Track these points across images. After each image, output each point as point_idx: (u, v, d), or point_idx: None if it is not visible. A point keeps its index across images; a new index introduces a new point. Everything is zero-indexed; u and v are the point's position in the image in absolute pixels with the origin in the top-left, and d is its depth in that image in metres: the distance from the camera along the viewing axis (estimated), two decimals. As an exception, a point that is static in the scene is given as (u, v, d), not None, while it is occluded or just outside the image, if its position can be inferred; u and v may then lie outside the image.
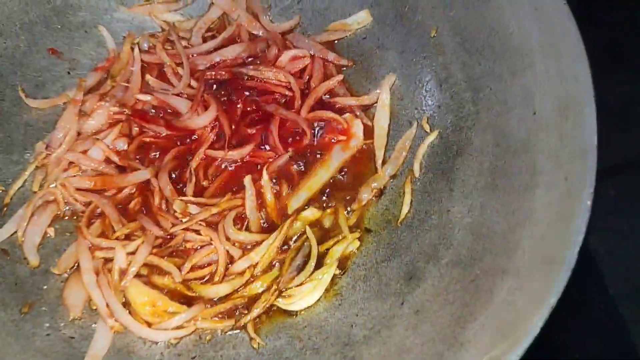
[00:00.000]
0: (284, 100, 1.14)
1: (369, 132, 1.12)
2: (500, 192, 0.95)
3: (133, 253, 0.96)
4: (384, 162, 1.10)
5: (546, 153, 0.90)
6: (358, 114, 1.14)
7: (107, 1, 1.16)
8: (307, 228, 1.02)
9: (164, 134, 1.08)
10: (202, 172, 1.06)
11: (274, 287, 0.97)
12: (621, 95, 1.27)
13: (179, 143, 1.09)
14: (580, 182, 0.83)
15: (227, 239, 0.99)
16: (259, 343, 0.93)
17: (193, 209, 1.01)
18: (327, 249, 1.02)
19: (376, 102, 1.14)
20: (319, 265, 1.00)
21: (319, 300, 0.98)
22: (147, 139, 1.08)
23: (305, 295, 0.97)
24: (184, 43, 1.16)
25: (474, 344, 0.78)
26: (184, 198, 1.01)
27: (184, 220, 1.00)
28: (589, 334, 1.09)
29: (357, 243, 1.02)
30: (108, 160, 1.05)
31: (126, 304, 0.94)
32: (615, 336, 1.06)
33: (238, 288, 0.98)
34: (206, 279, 0.99)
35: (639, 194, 1.22)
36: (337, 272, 1.00)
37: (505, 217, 0.91)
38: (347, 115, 1.13)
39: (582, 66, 0.90)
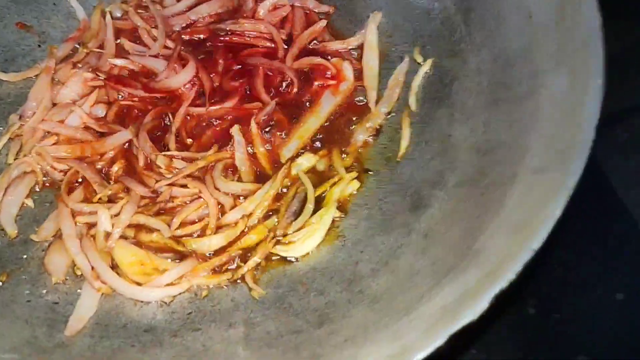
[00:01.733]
0: (266, 53, 1.08)
1: (358, 74, 1.06)
2: (502, 105, 0.89)
3: (117, 215, 0.89)
4: (377, 102, 1.03)
5: (547, 54, 0.84)
6: (346, 57, 1.07)
7: (75, -30, 1.12)
8: (301, 173, 0.95)
9: (142, 96, 1.02)
10: (184, 131, 1.00)
11: (271, 234, 0.90)
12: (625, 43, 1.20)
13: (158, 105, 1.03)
14: (586, 70, 0.76)
15: (217, 190, 0.92)
16: (259, 292, 0.85)
17: (178, 164, 0.95)
18: (324, 193, 0.95)
19: (363, 43, 1.08)
20: (317, 209, 0.92)
21: (320, 244, 0.90)
22: (126, 103, 1.02)
23: (305, 239, 0.90)
24: (157, 7, 1.11)
25: (488, 249, 0.70)
26: (167, 153, 0.95)
27: (169, 176, 0.93)
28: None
29: (357, 184, 0.95)
30: (86, 128, 0.99)
31: (113, 267, 0.87)
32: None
33: (233, 240, 0.90)
34: (198, 234, 0.91)
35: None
36: (338, 215, 0.92)
37: (511, 127, 0.84)
38: (334, 59, 1.07)
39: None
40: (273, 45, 1.08)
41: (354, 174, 0.96)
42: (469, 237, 0.74)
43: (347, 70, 1.06)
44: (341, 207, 0.94)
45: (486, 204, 0.78)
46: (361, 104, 1.04)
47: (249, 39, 1.09)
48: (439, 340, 0.58)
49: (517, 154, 0.80)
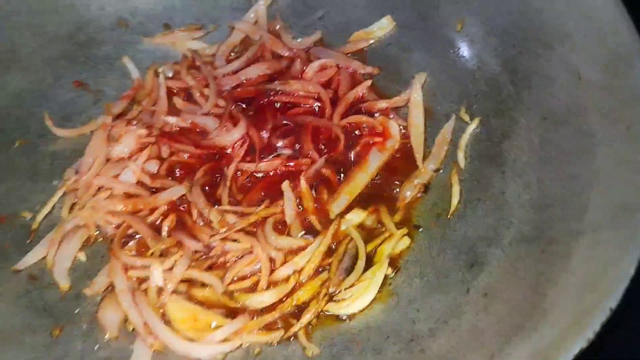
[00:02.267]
0: (313, 111, 1.11)
1: (404, 133, 1.07)
2: (556, 162, 0.89)
3: (169, 270, 0.89)
4: (424, 159, 1.04)
5: (599, 112, 0.86)
6: (391, 115, 1.09)
7: (130, 34, 1.17)
8: (351, 228, 0.95)
9: (193, 153, 1.04)
10: (235, 187, 1.01)
11: (323, 291, 0.89)
12: None
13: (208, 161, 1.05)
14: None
15: (269, 245, 0.92)
16: (313, 351, 0.83)
17: (229, 219, 0.95)
18: (374, 249, 0.94)
19: (408, 102, 1.09)
20: (369, 265, 0.91)
21: (372, 301, 0.88)
22: (177, 159, 1.04)
23: (358, 297, 0.89)
24: (208, 68, 1.15)
25: (559, 308, 0.68)
26: (220, 207, 0.95)
27: (221, 230, 0.93)
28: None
29: (408, 241, 0.95)
30: (139, 183, 1.00)
31: (165, 323, 0.86)
32: None
33: (284, 296, 0.89)
34: (249, 290, 0.90)
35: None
36: (389, 272, 0.91)
37: (568, 184, 0.85)
38: (380, 117, 1.08)
39: (621, 18, 0.86)
40: (320, 104, 1.10)
41: (405, 231, 0.95)
42: (534, 295, 0.73)
43: (393, 127, 1.07)
44: (392, 263, 0.93)
45: (549, 261, 0.77)
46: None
47: (296, 98, 1.10)
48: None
49: (576, 210, 0.79)
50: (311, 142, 1.05)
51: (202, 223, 0.96)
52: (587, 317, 0.61)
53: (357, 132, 1.07)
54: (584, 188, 0.81)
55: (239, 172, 1.03)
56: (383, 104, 1.11)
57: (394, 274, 0.92)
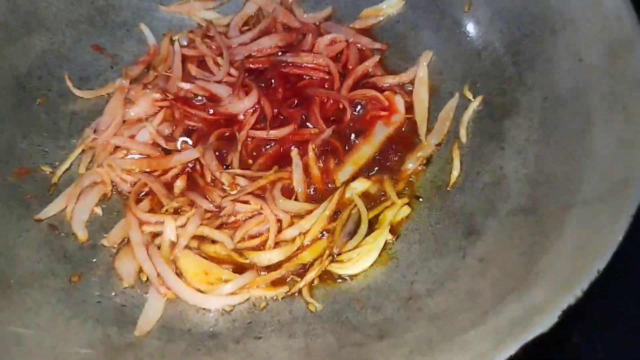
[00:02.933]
0: (322, 84, 1.15)
1: (409, 108, 1.11)
2: (554, 141, 0.93)
3: (182, 227, 0.94)
4: (427, 134, 1.08)
5: (599, 94, 0.89)
6: (397, 91, 1.13)
7: (147, 1, 1.20)
8: (355, 196, 0.99)
9: (206, 118, 1.08)
10: (245, 152, 1.05)
11: (327, 252, 0.94)
12: None
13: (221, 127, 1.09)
14: (638, 115, 0.80)
15: (277, 207, 0.97)
16: (315, 306, 0.88)
17: (240, 182, 0.99)
18: (377, 215, 0.99)
19: (414, 79, 1.13)
20: (371, 231, 0.96)
21: (373, 264, 0.93)
22: (191, 124, 1.08)
23: (359, 259, 0.93)
24: (222, 37, 1.18)
25: (551, 271, 0.73)
26: (231, 170, 1.00)
27: (232, 192, 0.98)
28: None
29: (408, 209, 0.99)
30: (154, 144, 1.04)
31: (178, 275, 0.91)
32: None
33: (290, 255, 0.94)
34: (257, 248, 0.95)
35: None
36: (390, 238, 0.96)
37: (564, 161, 0.89)
38: (387, 92, 1.12)
39: (625, 6, 0.90)
40: (329, 77, 1.14)
41: (406, 200, 1.00)
42: (527, 261, 0.78)
43: (399, 103, 1.11)
44: (393, 230, 0.98)
45: (543, 231, 0.81)
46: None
47: (306, 70, 1.14)
48: (511, 350, 0.61)
49: (571, 185, 0.84)
50: (319, 113, 1.09)
51: (213, 185, 1.01)
52: (577, 277, 0.66)
53: (362, 104, 1.11)
54: (579, 165, 0.85)
55: (249, 139, 1.07)
56: (390, 79, 1.15)
57: (394, 240, 0.96)
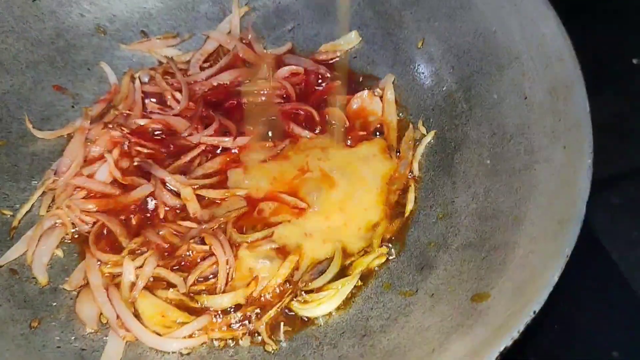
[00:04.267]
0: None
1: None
2: (501, 176, 0.97)
3: (140, 267, 0.96)
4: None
5: (542, 132, 0.93)
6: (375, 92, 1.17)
7: (108, 40, 1.21)
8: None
9: (159, 150, 1.10)
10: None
11: (291, 288, 0.96)
12: (611, 114, 1.30)
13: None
14: (579, 147, 0.85)
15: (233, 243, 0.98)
16: (272, 347, 0.90)
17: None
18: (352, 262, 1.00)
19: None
20: (342, 275, 0.97)
21: (334, 305, 0.95)
22: (146, 155, 1.09)
23: (323, 302, 0.94)
24: (181, 74, 1.20)
25: (492, 310, 0.77)
26: (191, 180, 1.04)
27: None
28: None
29: (384, 257, 1.00)
30: (113, 183, 1.06)
31: (136, 317, 0.92)
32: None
33: (248, 298, 0.95)
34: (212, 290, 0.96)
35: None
36: (359, 284, 0.97)
37: (510, 196, 0.93)
38: (365, 91, 1.16)
39: (566, 48, 0.94)
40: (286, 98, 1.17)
41: (385, 250, 1.00)
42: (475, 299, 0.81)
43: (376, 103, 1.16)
44: (364, 277, 0.98)
45: (489, 267, 0.85)
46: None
47: (264, 95, 1.17)
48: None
49: (516, 222, 0.88)
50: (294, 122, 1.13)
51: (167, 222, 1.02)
52: (514, 318, 0.70)
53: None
54: (523, 201, 0.89)
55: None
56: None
57: (363, 285, 0.97)
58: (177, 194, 1.04)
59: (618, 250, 1.11)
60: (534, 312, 0.69)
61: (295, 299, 0.95)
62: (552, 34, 0.96)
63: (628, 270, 1.09)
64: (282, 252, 0.99)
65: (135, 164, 1.06)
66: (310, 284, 0.96)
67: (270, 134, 1.14)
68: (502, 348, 0.66)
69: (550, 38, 0.96)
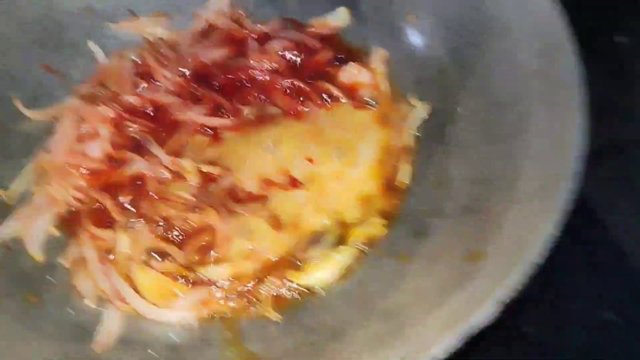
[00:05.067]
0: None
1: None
2: (495, 142, 0.97)
3: (135, 240, 0.95)
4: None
5: (534, 97, 0.94)
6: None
7: (96, 19, 1.21)
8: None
9: (151, 127, 1.09)
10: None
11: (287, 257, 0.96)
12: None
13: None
14: (570, 108, 0.85)
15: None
16: (275, 317, 0.90)
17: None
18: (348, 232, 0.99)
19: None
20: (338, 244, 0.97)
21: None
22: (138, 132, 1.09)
23: (320, 270, 0.94)
24: (170, 52, 1.20)
25: (490, 265, 0.78)
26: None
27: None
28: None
29: (385, 230, 0.99)
30: (105, 159, 1.05)
31: (134, 289, 0.92)
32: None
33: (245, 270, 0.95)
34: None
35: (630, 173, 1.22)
36: (356, 252, 0.97)
37: (504, 162, 0.93)
38: (354, 63, 1.16)
39: (555, 14, 0.95)
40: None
41: (385, 222, 0.99)
42: (470, 258, 0.82)
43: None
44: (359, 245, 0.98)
45: (484, 228, 0.86)
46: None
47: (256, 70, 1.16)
48: (452, 341, 0.65)
49: (509, 183, 0.88)
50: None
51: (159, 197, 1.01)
52: (513, 271, 0.71)
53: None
54: (517, 164, 0.90)
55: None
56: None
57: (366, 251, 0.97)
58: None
59: (612, 220, 1.12)
60: (534, 263, 0.69)
61: (292, 268, 0.95)
62: (543, 5, 0.97)
63: (621, 237, 1.10)
64: (277, 222, 0.98)
65: (133, 136, 1.06)
66: (306, 253, 0.96)
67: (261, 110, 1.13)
68: (501, 297, 0.67)
69: (539, 6, 0.97)
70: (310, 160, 1.05)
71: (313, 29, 1.24)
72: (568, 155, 0.81)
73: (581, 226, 0.92)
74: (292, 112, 1.12)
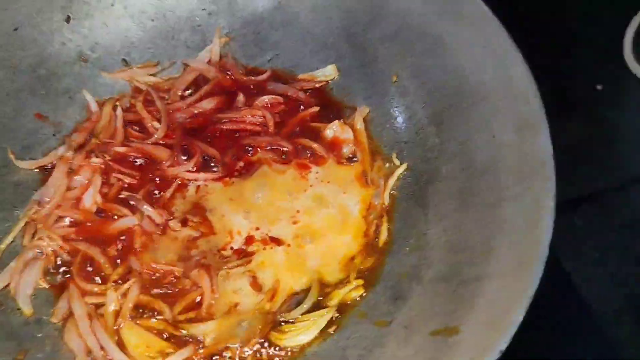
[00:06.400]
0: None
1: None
2: (471, 211, 1.02)
3: (124, 296, 0.98)
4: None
5: (509, 170, 0.99)
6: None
7: (90, 69, 1.23)
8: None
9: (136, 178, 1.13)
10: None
11: (270, 317, 0.99)
12: (575, 138, 1.36)
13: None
14: (542, 190, 0.91)
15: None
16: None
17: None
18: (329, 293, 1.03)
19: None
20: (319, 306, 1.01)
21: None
22: (126, 183, 1.12)
23: (300, 333, 0.98)
24: (161, 101, 1.23)
25: (462, 345, 0.82)
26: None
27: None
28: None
29: (362, 290, 1.03)
30: (96, 212, 1.08)
31: (121, 347, 0.95)
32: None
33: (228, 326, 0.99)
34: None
35: (604, 223, 1.28)
36: (336, 315, 1.01)
37: (479, 231, 0.98)
38: (337, 121, 1.20)
39: (532, 89, 1.00)
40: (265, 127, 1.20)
41: (361, 281, 1.03)
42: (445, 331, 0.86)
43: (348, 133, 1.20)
44: (341, 309, 1.02)
45: (459, 300, 0.90)
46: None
47: (244, 123, 1.21)
48: None
49: (484, 257, 0.93)
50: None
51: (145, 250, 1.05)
52: (483, 355, 0.76)
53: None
54: (492, 236, 0.94)
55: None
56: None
57: (339, 317, 1.01)
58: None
59: (578, 271, 1.17)
60: (501, 351, 0.74)
61: (273, 330, 0.98)
62: (520, 76, 1.02)
63: (587, 291, 1.15)
64: (256, 283, 1.02)
65: (122, 196, 1.09)
66: (287, 314, 1.00)
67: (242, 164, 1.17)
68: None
69: (517, 80, 1.02)
70: (294, 217, 1.09)
71: (301, 83, 1.28)
72: (540, 239, 0.86)
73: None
74: (276, 167, 1.16)
